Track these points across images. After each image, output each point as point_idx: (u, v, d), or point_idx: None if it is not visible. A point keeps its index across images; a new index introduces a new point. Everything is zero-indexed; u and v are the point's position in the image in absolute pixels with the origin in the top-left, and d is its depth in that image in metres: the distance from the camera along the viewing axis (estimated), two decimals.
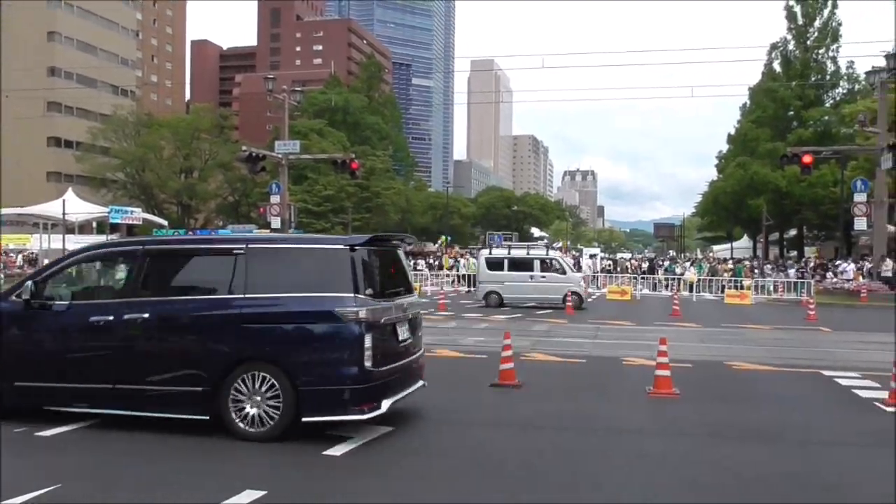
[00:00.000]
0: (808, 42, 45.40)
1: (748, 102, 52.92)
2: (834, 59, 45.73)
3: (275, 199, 31.26)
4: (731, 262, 41.15)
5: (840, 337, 15.46)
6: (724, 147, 57.62)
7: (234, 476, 5.30)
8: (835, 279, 29.62)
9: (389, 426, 6.69)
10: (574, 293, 21.58)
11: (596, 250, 46.33)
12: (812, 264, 35.82)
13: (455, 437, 6.69)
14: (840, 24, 44.89)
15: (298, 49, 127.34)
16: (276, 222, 31.16)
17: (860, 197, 28.45)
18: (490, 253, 23.44)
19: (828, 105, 46.47)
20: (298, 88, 37.77)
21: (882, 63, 29.29)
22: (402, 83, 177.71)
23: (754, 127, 47.83)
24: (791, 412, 8.00)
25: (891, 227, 34.29)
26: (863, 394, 8.79)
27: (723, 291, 27.82)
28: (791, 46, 46.51)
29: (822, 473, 5.70)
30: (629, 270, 38.94)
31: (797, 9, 45.67)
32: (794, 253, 52.50)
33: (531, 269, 21.86)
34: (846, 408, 8.22)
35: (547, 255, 23.06)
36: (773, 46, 47.74)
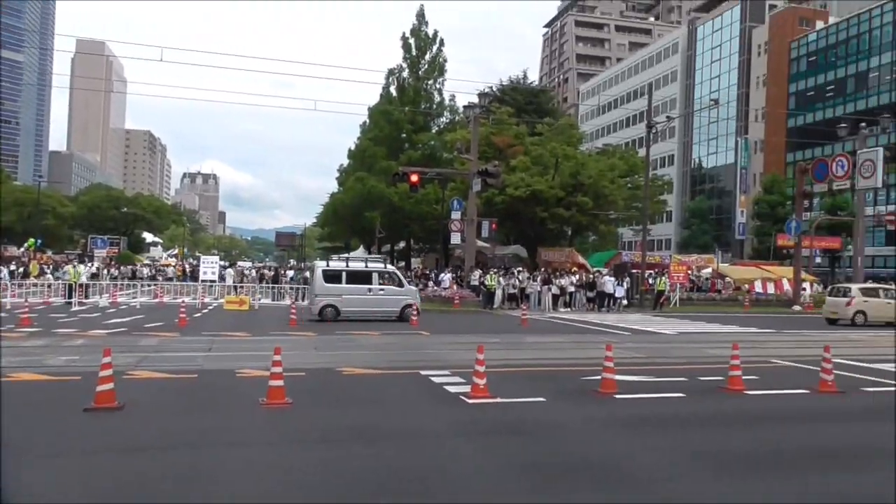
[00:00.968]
0: (420, 72, 50.39)
1: (368, 121, 56.58)
2: (440, 91, 51.42)
3: None
4: None
5: (436, 339, 17.25)
6: (346, 161, 60.75)
7: None
8: (435, 287, 33.20)
9: None
10: (411, 305, 22.05)
11: (214, 258, 44.46)
12: (417, 274, 39.70)
13: (37, 473, 5.65)
14: (446, 61, 50.71)
15: None
16: None
17: (456, 215, 32.43)
18: (328, 265, 22.78)
19: (434, 131, 52.06)
20: None
21: (476, 100, 33.98)
22: None
23: (372, 145, 51.17)
24: (393, 411, 8.58)
25: (479, 242, 39.79)
26: (452, 389, 9.85)
27: None
28: (405, 74, 50.98)
29: (417, 463, 6.16)
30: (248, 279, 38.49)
31: (412, 41, 50.37)
32: (402, 263, 57.61)
33: (370, 282, 21.94)
34: (438, 403, 9.10)
35: (385, 268, 23.38)
36: (391, 72, 51.82)
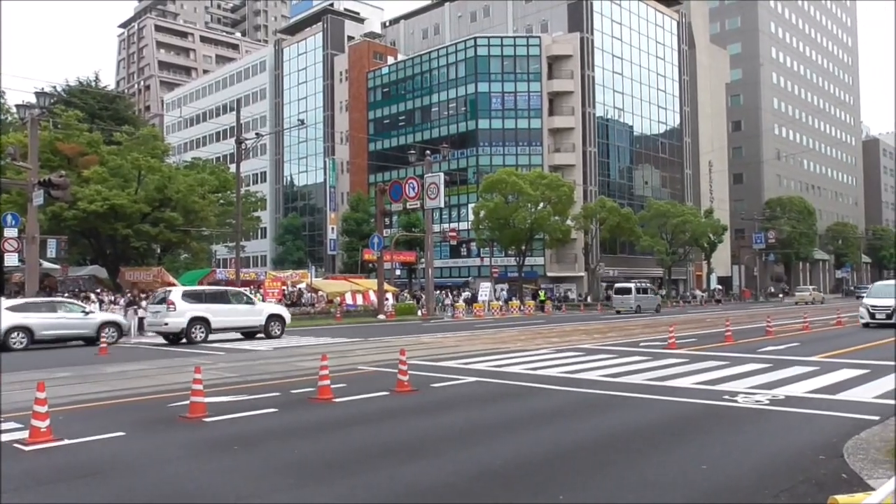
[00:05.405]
0: None
1: None
2: None
3: None
4: None
5: None
6: None
7: None
8: None
9: None
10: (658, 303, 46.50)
11: None
12: None
13: None
14: None
15: None
16: None
17: (10, 232, 27.84)
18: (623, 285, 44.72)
19: None
20: None
21: (34, 100, 29.53)
22: None
23: None
24: None
25: (46, 263, 34.71)
26: (4, 437, 8.23)
27: None
28: None
29: None
30: None
31: None
32: None
33: (631, 293, 42.07)
34: None
35: (642, 284, 45.88)
36: None
